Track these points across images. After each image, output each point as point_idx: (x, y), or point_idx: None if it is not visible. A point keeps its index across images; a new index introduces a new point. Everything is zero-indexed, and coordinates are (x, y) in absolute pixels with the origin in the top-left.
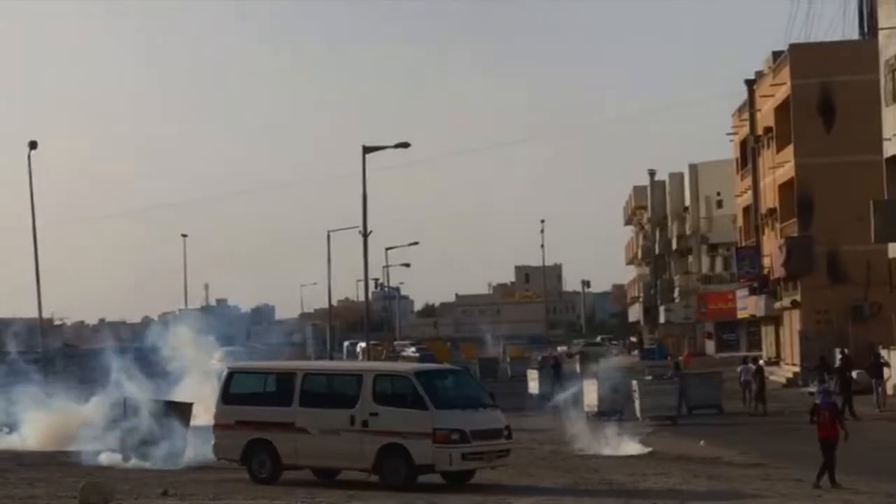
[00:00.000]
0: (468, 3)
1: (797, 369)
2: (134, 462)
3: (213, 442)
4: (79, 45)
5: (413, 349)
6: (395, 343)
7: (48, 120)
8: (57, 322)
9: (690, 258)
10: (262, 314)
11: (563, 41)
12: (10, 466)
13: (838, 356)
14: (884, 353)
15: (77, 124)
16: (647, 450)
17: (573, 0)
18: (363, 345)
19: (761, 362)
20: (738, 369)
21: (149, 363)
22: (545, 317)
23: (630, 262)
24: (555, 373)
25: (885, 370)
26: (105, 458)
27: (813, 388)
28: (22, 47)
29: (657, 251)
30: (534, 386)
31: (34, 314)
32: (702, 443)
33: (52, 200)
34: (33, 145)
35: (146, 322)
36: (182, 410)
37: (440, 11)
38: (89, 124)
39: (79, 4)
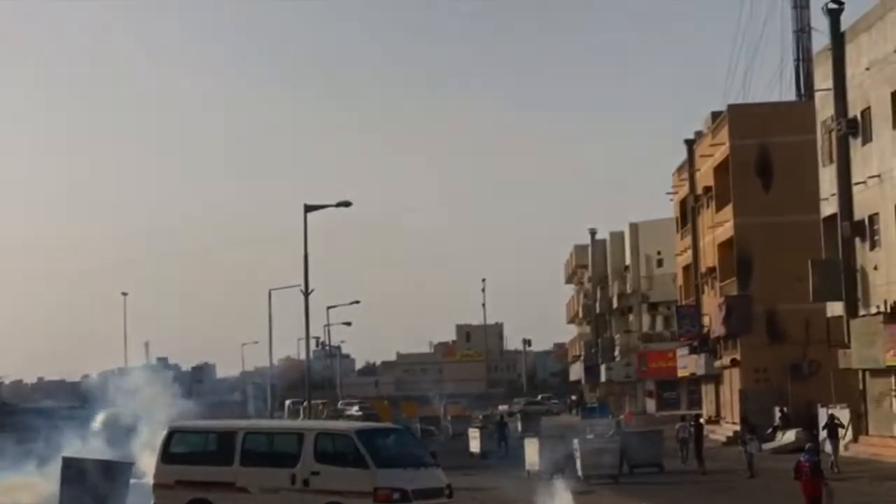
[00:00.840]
0: (411, 67)
1: (737, 428)
2: None
3: (152, 502)
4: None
5: (356, 408)
6: (340, 402)
7: None
8: None
9: (631, 317)
10: (203, 372)
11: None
12: None
13: (777, 414)
14: (822, 411)
15: (10, 185)
16: None
17: (522, 66)
18: (288, 403)
19: (701, 420)
20: (676, 426)
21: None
22: (486, 375)
23: (571, 321)
24: (499, 431)
25: (840, 431)
26: None
27: (751, 448)
28: None
29: (598, 310)
30: (475, 444)
31: None
32: None
33: None
34: None
35: (85, 380)
36: (122, 470)
37: (381, 78)
38: (24, 185)
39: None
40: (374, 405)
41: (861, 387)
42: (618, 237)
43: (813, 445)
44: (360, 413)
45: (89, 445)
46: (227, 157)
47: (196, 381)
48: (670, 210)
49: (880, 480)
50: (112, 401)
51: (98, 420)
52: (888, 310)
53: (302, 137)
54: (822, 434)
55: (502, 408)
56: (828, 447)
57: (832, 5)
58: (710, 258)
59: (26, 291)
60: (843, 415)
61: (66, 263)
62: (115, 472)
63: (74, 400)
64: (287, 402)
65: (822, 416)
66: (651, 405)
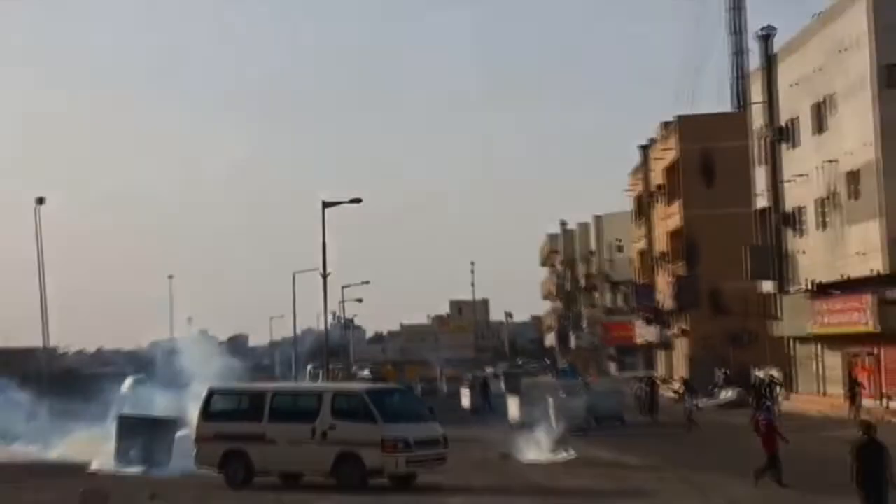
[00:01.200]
0: (397, 69)
1: (678, 387)
2: (128, 470)
3: (194, 452)
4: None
5: (367, 371)
6: (353, 367)
7: (53, 180)
8: (60, 351)
9: (596, 294)
10: (236, 342)
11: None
12: (22, 475)
13: (719, 376)
14: (759, 373)
15: (77, 182)
16: (561, 455)
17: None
18: (309, 367)
19: (656, 380)
20: (634, 387)
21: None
22: (475, 343)
23: (546, 297)
24: (482, 391)
25: (777, 389)
26: (104, 467)
27: (688, 404)
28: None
29: (568, 288)
30: (466, 402)
31: (39, 343)
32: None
33: (56, 246)
34: (41, 201)
35: (138, 349)
36: (168, 426)
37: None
38: (87, 183)
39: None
40: (382, 370)
41: (790, 352)
42: (584, 227)
43: (769, 404)
44: (369, 376)
45: (140, 404)
46: (258, 156)
47: (231, 349)
48: (628, 204)
49: (814, 430)
50: (170, 364)
51: (126, 385)
52: (812, 287)
53: (314, 139)
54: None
55: (489, 370)
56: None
57: (763, 32)
58: (662, 244)
59: (90, 274)
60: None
61: (121, 248)
62: (162, 426)
63: (130, 366)
64: (308, 367)
65: (758, 376)
66: (613, 368)
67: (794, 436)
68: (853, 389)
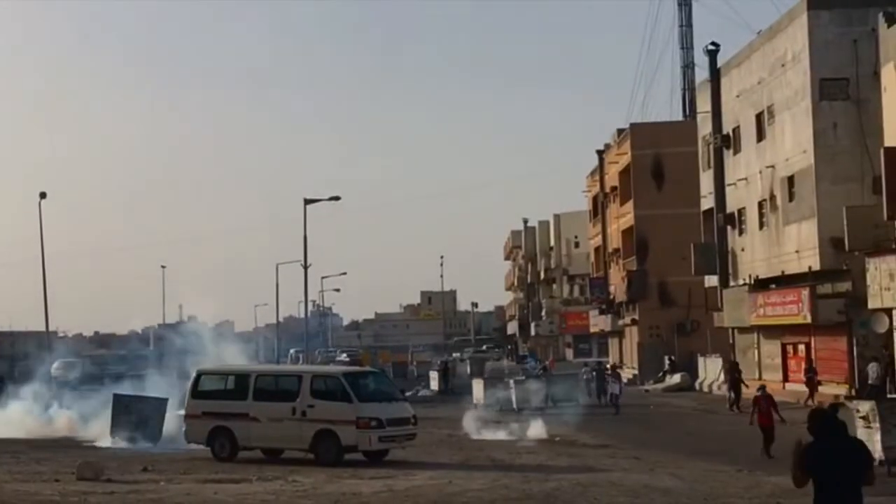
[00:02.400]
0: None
1: (636, 371)
2: (121, 445)
3: (183, 429)
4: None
5: (345, 355)
6: (332, 350)
7: (58, 175)
8: (60, 334)
9: (554, 286)
10: (223, 328)
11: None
12: (21, 448)
13: (667, 362)
14: (701, 360)
15: (77, 179)
16: (520, 434)
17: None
18: (291, 352)
19: (607, 366)
20: (581, 370)
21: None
22: (443, 330)
23: (508, 289)
24: (443, 374)
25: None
26: (99, 442)
27: (649, 386)
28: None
29: (529, 280)
30: (434, 384)
31: (41, 328)
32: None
33: (58, 238)
34: (43, 195)
35: (132, 334)
36: (159, 404)
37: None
38: (86, 180)
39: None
40: (359, 355)
41: (731, 341)
42: (544, 225)
43: (763, 385)
44: (346, 359)
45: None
46: (246, 153)
47: (218, 334)
48: (585, 204)
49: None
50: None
51: (54, 366)
52: (752, 282)
53: (302, 146)
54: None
55: (455, 355)
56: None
57: (711, 47)
58: (615, 241)
59: (89, 263)
60: (717, 363)
61: (120, 239)
62: (153, 405)
63: (123, 349)
64: (291, 351)
65: (702, 363)
66: (570, 354)
67: (739, 418)
68: (811, 377)
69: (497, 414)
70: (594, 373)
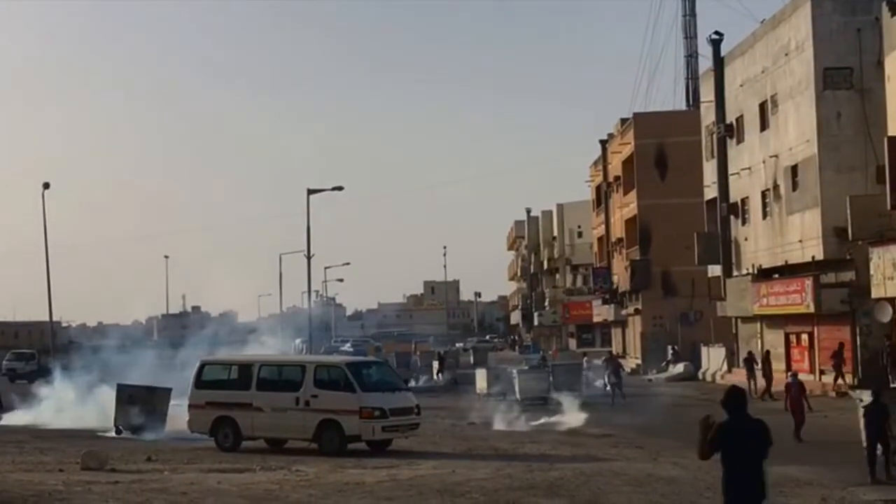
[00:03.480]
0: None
1: (639, 361)
2: (125, 434)
3: (187, 419)
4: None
5: (349, 345)
6: (333, 341)
7: (62, 166)
8: (64, 324)
9: (558, 276)
10: (227, 318)
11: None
12: (26, 438)
13: (670, 352)
14: (704, 349)
15: (81, 171)
16: (524, 423)
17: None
18: (297, 341)
19: (614, 353)
20: (583, 361)
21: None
22: (446, 321)
23: (511, 279)
24: (440, 365)
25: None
26: (105, 432)
27: (652, 376)
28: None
29: (532, 270)
30: (436, 375)
31: (45, 318)
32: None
33: (61, 228)
34: (46, 186)
35: (136, 324)
36: (163, 394)
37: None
38: (93, 172)
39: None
40: (367, 349)
41: (734, 331)
42: (548, 214)
43: (795, 371)
44: (351, 349)
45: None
46: (254, 146)
47: (222, 324)
48: (588, 194)
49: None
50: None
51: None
52: (755, 271)
53: (302, 134)
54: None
55: (459, 344)
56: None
57: (714, 37)
58: (618, 231)
59: (92, 254)
60: (720, 353)
61: (124, 230)
62: (157, 395)
63: (126, 339)
64: (297, 341)
65: (705, 353)
66: (573, 344)
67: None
68: (837, 363)
69: (500, 403)
70: (606, 362)
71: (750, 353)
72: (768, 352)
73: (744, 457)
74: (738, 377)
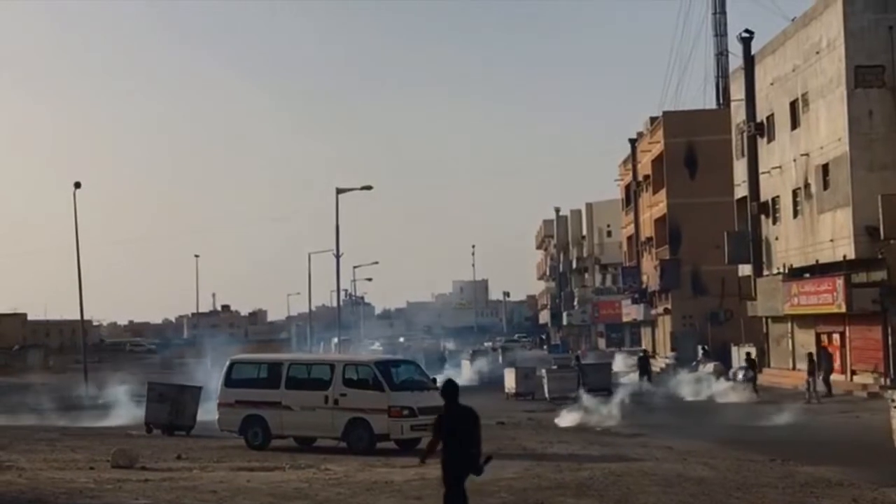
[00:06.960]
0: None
1: (669, 360)
2: (156, 432)
3: (217, 417)
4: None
5: (378, 345)
6: (366, 339)
7: (93, 166)
8: (95, 323)
9: (587, 275)
10: (256, 317)
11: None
12: (57, 436)
13: (700, 351)
14: (734, 349)
15: (111, 172)
16: (553, 423)
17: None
18: (335, 340)
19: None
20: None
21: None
22: (475, 320)
23: (540, 278)
24: (471, 362)
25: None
26: (134, 430)
27: (682, 376)
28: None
29: (561, 269)
30: (466, 373)
31: (76, 317)
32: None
33: (91, 228)
34: (78, 185)
35: (167, 323)
36: (194, 392)
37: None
38: (123, 173)
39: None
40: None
41: (764, 330)
42: (577, 213)
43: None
44: (380, 348)
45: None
46: (283, 148)
47: (251, 323)
48: (617, 193)
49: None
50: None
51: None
52: (786, 271)
53: (336, 136)
54: (739, 367)
55: (487, 344)
56: (740, 376)
57: (744, 35)
58: (648, 230)
59: (125, 253)
60: (751, 352)
61: (152, 229)
62: (188, 393)
63: (158, 338)
64: (334, 340)
65: (735, 353)
66: (602, 343)
67: (773, 407)
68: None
69: (529, 403)
70: (639, 360)
71: (810, 354)
72: (825, 348)
73: (455, 438)
74: (774, 376)
